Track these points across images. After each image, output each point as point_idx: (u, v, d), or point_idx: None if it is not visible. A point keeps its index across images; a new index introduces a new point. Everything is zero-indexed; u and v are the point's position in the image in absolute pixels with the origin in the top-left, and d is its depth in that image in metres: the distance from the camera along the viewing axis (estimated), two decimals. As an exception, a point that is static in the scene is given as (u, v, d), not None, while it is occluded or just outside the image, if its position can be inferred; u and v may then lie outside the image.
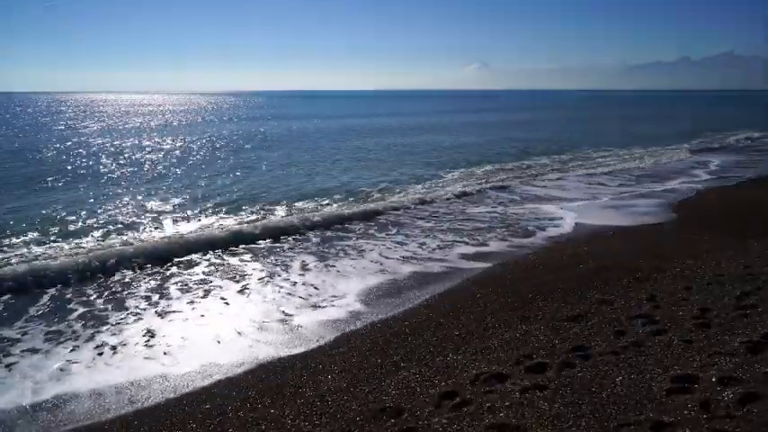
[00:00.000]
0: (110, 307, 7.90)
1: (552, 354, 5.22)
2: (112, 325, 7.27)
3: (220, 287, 8.72)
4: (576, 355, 5.13)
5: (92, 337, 6.86)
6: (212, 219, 13.78)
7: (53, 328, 7.15)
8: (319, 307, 7.78)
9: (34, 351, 6.52)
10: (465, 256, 10.13)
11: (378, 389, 5.06)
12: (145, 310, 7.80)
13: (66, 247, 11.01)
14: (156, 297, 8.31)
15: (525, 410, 4.14)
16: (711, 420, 3.69)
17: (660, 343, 5.16)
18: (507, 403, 4.29)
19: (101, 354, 6.43)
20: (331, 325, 7.13)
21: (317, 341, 6.64)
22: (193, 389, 5.62)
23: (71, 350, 6.52)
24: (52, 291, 8.54)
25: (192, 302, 8.07)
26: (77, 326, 7.23)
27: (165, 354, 6.43)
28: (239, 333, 6.97)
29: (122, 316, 7.57)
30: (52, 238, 11.69)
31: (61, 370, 6.06)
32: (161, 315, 7.61)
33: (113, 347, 6.59)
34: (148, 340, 6.78)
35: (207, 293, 8.44)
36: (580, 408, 4.10)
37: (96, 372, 6.02)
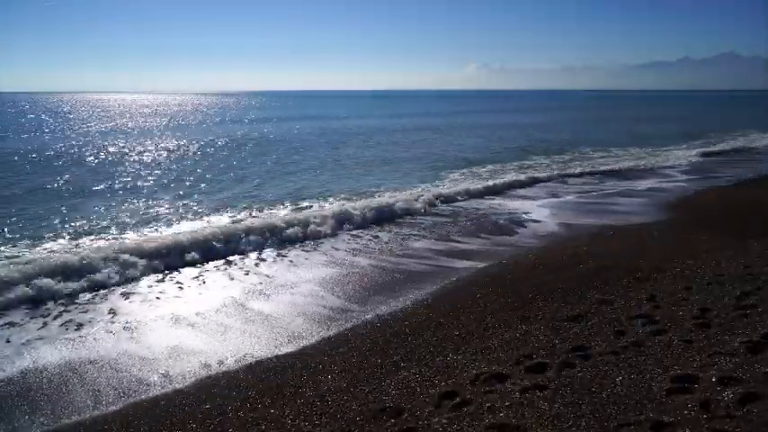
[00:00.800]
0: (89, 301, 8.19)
1: (552, 354, 5.22)
2: (81, 304, 7.94)
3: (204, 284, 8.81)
4: (576, 355, 5.12)
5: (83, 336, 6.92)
6: (206, 220, 13.83)
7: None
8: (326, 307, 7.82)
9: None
10: (445, 254, 10.28)
11: (378, 389, 5.06)
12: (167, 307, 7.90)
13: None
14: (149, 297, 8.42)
15: (525, 410, 4.14)
16: (711, 420, 3.69)
17: (660, 343, 5.15)
18: (507, 403, 4.29)
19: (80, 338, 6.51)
20: (335, 325, 7.17)
21: (315, 338, 6.67)
22: (188, 386, 5.64)
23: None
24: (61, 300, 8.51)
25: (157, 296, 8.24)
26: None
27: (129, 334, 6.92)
28: (218, 323, 7.03)
29: (92, 298, 8.24)
30: (60, 237, 11.75)
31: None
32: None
33: (79, 324, 7.23)
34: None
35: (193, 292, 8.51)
36: (580, 408, 4.10)
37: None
